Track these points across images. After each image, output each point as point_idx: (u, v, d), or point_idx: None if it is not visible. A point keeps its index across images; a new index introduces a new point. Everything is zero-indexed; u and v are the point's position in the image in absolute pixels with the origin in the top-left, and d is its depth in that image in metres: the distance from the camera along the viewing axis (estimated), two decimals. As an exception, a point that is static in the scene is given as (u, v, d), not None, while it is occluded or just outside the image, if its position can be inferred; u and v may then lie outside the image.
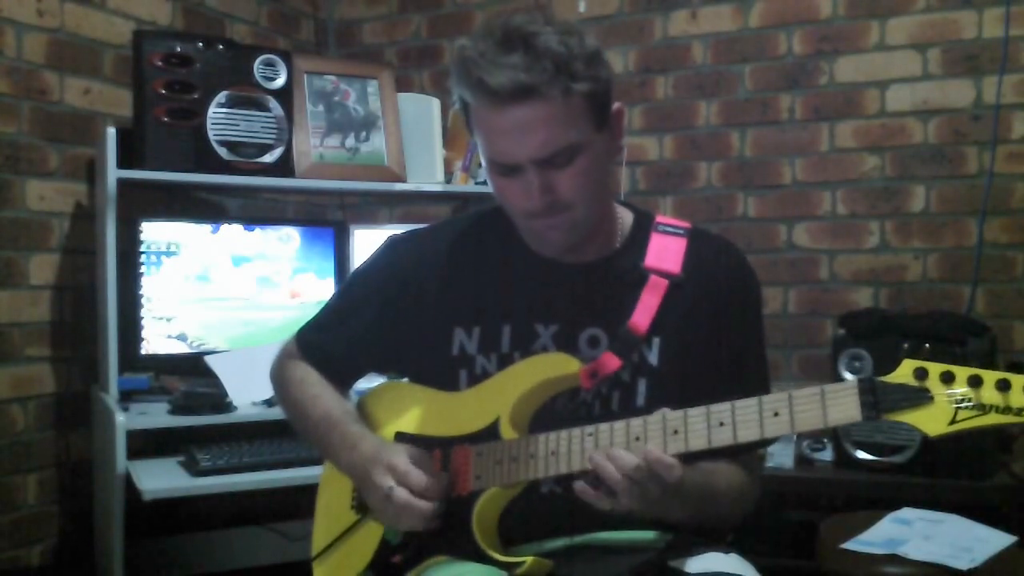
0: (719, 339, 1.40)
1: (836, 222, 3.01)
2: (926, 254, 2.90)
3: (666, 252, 1.42)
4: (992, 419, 1.08)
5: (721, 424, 1.20)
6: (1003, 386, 1.07)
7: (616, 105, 1.37)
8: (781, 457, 2.65)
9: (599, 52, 1.32)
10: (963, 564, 1.88)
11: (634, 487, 1.18)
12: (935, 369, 1.11)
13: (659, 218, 1.48)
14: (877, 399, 1.12)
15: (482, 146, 1.35)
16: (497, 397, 1.36)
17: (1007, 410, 1.07)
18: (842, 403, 1.14)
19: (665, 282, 1.39)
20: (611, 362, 1.35)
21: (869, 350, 2.56)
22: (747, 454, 1.40)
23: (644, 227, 1.46)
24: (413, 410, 1.46)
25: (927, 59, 2.88)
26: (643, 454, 1.19)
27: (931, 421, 1.10)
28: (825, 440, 2.70)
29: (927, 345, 2.50)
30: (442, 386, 1.45)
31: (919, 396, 1.11)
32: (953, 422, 1.09)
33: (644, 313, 1.37)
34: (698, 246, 1.44)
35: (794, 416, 1.16)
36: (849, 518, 2.21)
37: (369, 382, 1.64)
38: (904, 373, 1.13)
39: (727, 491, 1.36)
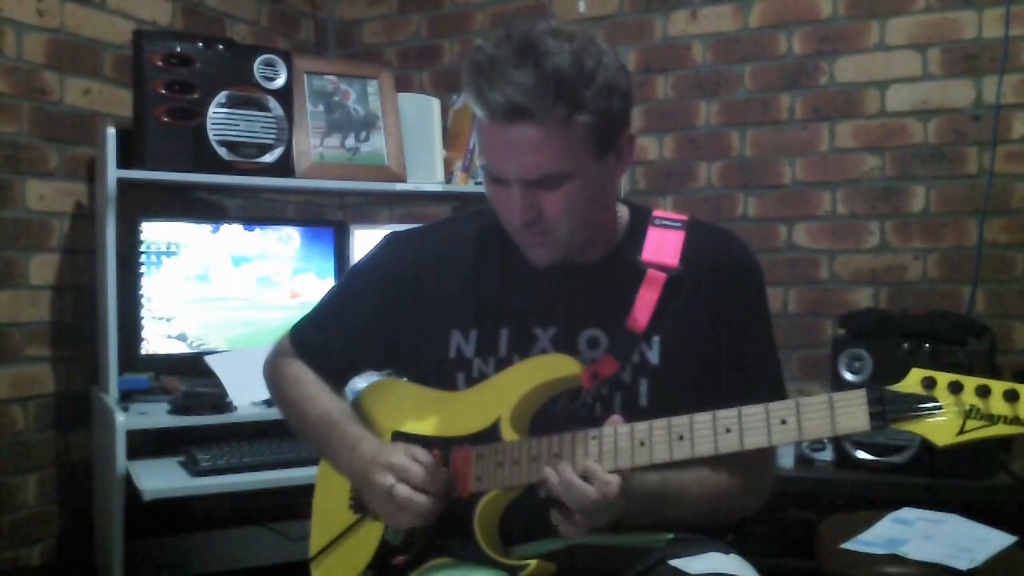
0: (721, 333, 1.38)
1: (836, 222, 3.01)
2: (926, 254, 2.90)
3: (664, 246, 1.40)
4: (1000, 429, 1.08)
5: (728, 431, 1.19)
6: (1011, 396, 1.07)
7: (627, 133, 1.34)
8: (781, 457, 2.65)
9: (617, 80, 1.28)
10: (963, 564, 1.88)
11: (574, 501, 1.21)
12: (943, 379, 1.11)
13: (656, 212, 1.46)
14: (885, 409, 1.12)
15: (478, 149, 1.34)
16: (497, 398, 1.35)
17: (1015, 421, 1.07)
18: (850, 412, 1.14)
19: (663, 276, 1.37)
20: (610, 365, 1.34)
21: (869, 350, 2.56)
22: (747, 456, 1.39)
23: (641, 222, 1.44)
24: (411, 410, 1.45)
25: (927, 59, 2.88)
26: (581, 468, 1.21)
27: (939, 431, 1.10)
28: (825, 440, 2.69)
29: (927, 345, 2.50)
30: (440, 387, 1.43)
31: (927, 407, 1.11)
32: (961, 432, 1.09)
33: (642, 309, 1.36)
34: (696, 238, 1.42)
35: (802, 424, 1.16)
36: (849, 518, 2.21)
37: (365, 379, 1.62)
38: (912, 382, 1.13)
39: (702, 496, 1.34)
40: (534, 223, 1.31)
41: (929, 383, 1.12)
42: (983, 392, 1.09)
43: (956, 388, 1.10)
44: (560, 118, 1.24)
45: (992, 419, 1.08)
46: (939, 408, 1.11)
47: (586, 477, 1.21)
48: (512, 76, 1.22)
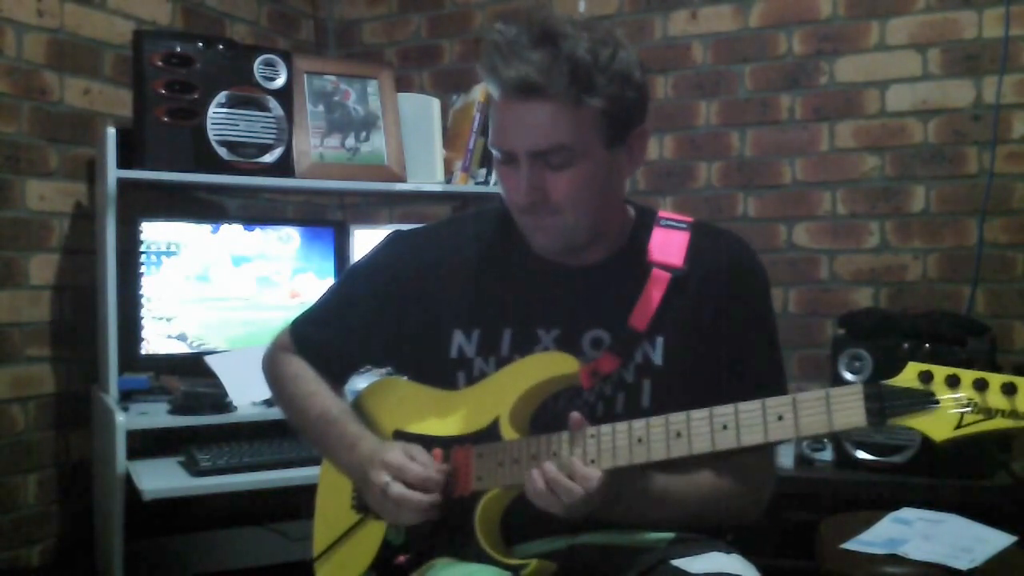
0: (724, 334, 1.38)
1: (836, 222, 3.01)
2: (926, 254, 2.90)
3: (668, 246, 1.40)
4: (998, 423, 1.07)
5: (724, 427, 1.19)
6: (1009, 390, 1.06)
7: (640, 128, 1.35)
8: (781, 457, 2.65)
9: (631, 71, 1.30)
10: (963, 564, 1.88)
11: (553, 495, 1.22)
12: (940, 373, 1.10)
13: (661, 213, 1.46)
14: (883, 404, 1.12)
15: (490, 129, 1.36)
16: (496, 397, 1.36)
17: (1013, 414, 1.06)
18: (847, 408, 1.13)
19: (667, 276, 1.37)
20: (610, 362, 1.34)
21: (869, 350, 2.56)
22: (744, 459, 1.37)
23: (646, 223, 1.44)
24: (412, 409, 1.45)
25: (927, 59, 2.88)
26: (567, 464, 1.22)
27: (937, 426, 1.09)
28: (825, 440, 2.69)
29: (927, 345, 2.50)
30: (440, 387, 1.44)
31: (924, 401, 1.10)
32: (959, 427, 1.08)
33: (645, 308, 1.36)
34: (701, 239, 1.43)
35: (798, 420, 1.16)
36: (849, 518, 2.21)
37: (366, 378, 1.62)
38: (909, 377, 1.12)
39: (693, 497, 1.34)
40: (539, 205, 1.32)
41: (926, 377, 1.11)
42: (980, 385, 1.08)
43: (953, 382, 1.09)
44: (571, 98, 1.26)
45: (990, 413, 1.07)
46: (936, 403, 1.09)
47: (569, 474, 1.22)
48: (528, 56, 1.25)
